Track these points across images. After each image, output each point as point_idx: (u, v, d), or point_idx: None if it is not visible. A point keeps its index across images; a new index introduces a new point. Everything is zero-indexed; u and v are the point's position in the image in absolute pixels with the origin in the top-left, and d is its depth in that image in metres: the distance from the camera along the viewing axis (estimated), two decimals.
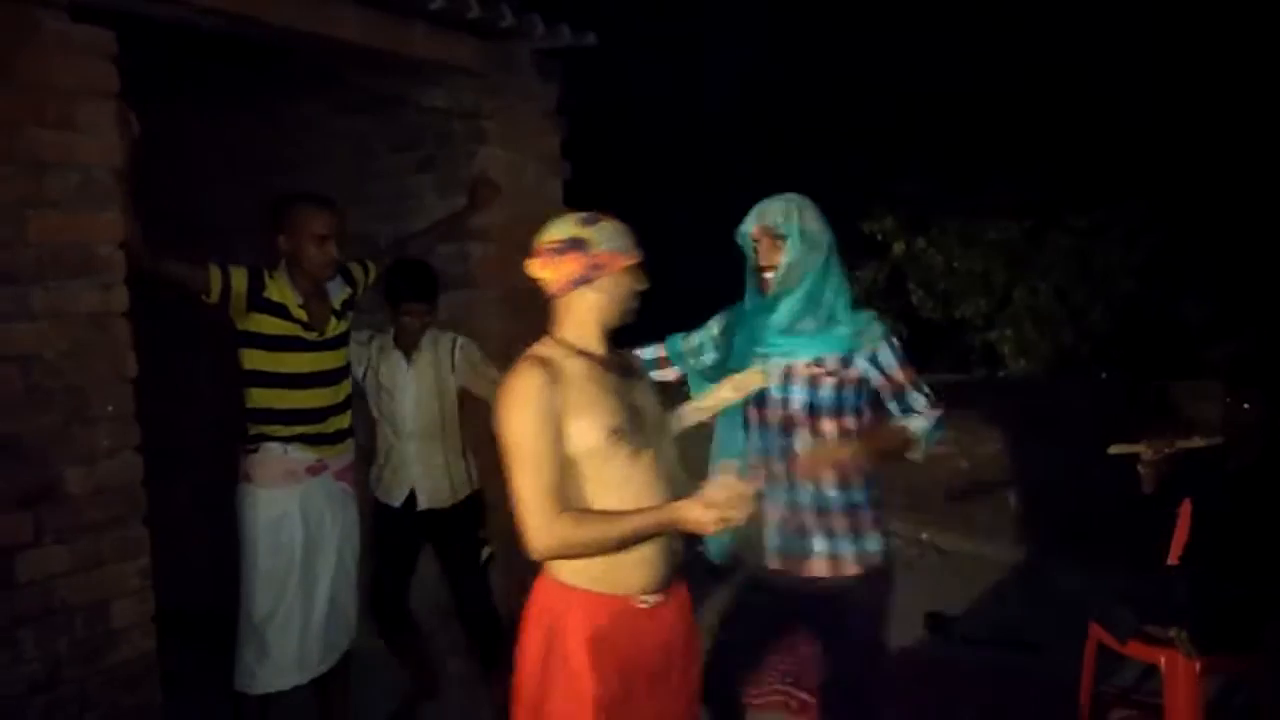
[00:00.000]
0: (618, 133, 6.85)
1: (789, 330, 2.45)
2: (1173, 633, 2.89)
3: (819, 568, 2.40)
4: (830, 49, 6.85)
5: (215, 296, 2.83)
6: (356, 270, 3.19)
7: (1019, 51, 6.23)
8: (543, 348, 2.04)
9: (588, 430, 1.94)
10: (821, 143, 7.00)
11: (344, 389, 3.10)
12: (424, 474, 3.33)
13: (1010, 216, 5.92)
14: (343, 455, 3.11)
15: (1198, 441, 3.19)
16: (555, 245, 2.02)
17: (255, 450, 2.94)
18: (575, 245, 2.00)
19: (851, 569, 2.40)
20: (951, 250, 6.01)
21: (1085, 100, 5.98)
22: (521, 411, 1.92)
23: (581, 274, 2.01)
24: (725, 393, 2.32)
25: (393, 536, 3.37)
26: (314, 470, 2.99)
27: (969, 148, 6.22)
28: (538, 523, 1.90)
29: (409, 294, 3.26)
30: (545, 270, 2.04)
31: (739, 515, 1.86)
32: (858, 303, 2.58)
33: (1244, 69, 5.66)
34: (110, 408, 2.46)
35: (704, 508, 1.86)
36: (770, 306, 2.47)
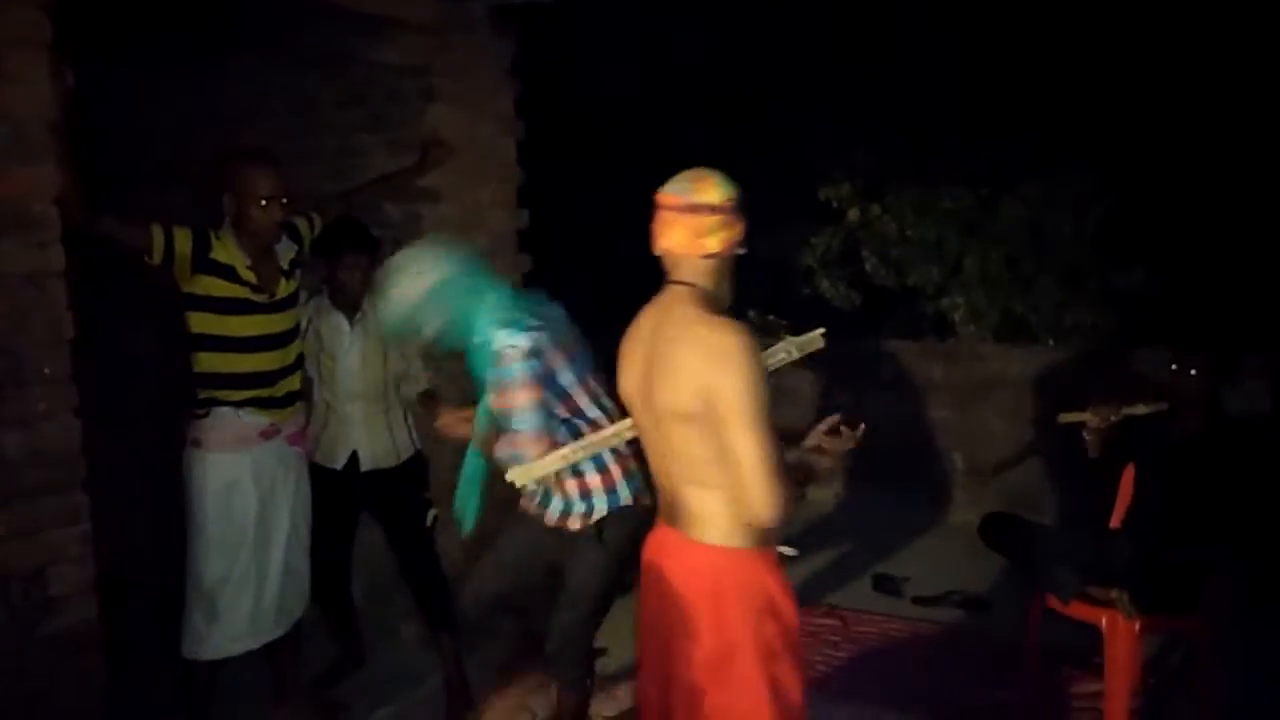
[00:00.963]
0: (573, 92, 6.75)
1: None
2: (1114, 594, 2.97)
3: (550, 519, 2.71)
4: (792, 14, 6.79)
5: (158, 257, 2.74)
6: (301, 224, 3.10)
7: (975, 19, 6.23)
8: (714, 306, 1.94)
9: None
10: (782, 107, 6.97)
11: (294, 351, 3.04)
12: (367, 435, 3.28)
13: (964, 184, 5.96)
14: (295, 418, 3.06)
15: (1142, 409, 3.26)
16: (734, 203, 1.93)
17: (205, 415, 2.87)
18: (742, 205, 1.94)
19: (575, 524, 2.67)
20: (905, 218, 6.04)
21: (1041, 68, 6.01)
22: (753, 370, 1.81)
23: (742, 235, 1.96)
24: (785, 353, 2.27)
25: (332, 500, 3.30)
26: (267, 434, 2.94)
27: (926, 115, 6.23)
28: (776, 487, 1.80)
29: (347, 245, 3.19)
30: (725, 229, 1.93)
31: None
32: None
33: (1196, 36, 5.72)
34: (47, 370, 2.39)
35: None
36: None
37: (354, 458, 3.29)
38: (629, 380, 2.06)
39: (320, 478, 3.26)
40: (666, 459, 1.99)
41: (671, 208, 1.94)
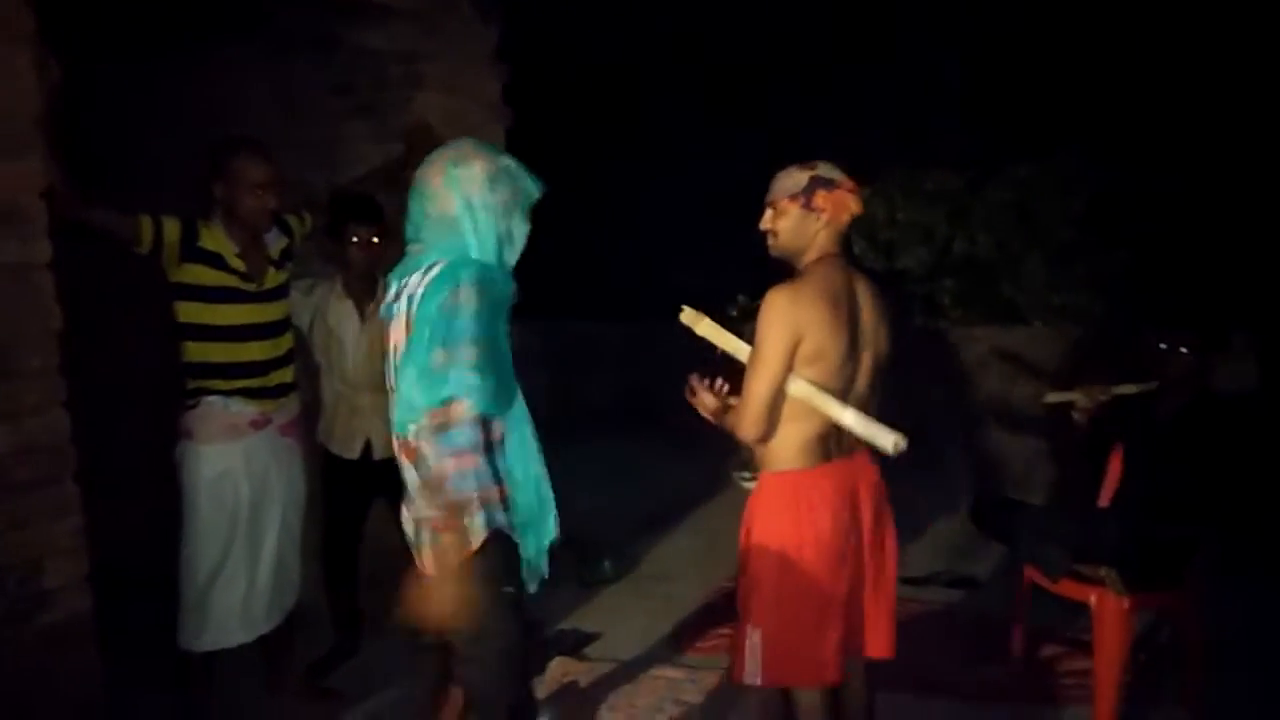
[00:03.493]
0: (563, 78, 6.73)
1: None
2: (1102, 572, 2.99)
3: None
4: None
5: (146, 246, 2.74)
6: (293, 220, 3.12)
7: (965, 4, 6.24)
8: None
9: None
10: (769, 92, 6.96)
11: (285, 341, 3.03)
12: (380, 424, 3.28)
13: (952, 167, 5.97)
14: (287, 409, 3.05)
15: (1131, 388, 3.28)
16: None
17: (195, 405, 2.87)
18: None
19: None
20: (894, 201, 6.04)
21: (1029, 50, 6.02)
22: None
23: None
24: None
25: (346, 489, 3.32)
26: (257, 424, 2.93)
27: (916, 97, 6.23)
28: None
29: (354, 215, 3.19)
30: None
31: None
32: None
33: (1180, 15, 5.73)
34: (35, 362, 2.37)
35: None
36: None
37: (368, 446, 3.29)
38: (841, 339, 2.26)
39: (335, 467, 3.28)
40: (858, 401, 2.32)
41: (844, 187, 2.31)
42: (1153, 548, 2.99)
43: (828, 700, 2.37)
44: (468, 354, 1.97)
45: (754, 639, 2.28)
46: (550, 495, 2.22)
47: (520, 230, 2.18)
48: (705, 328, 2.43)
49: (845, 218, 2.32)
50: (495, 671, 2.15)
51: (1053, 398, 3.49)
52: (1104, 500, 3.36)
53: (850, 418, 2.25)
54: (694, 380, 2.46)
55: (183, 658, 2.94)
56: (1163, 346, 3.13)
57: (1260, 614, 3.76)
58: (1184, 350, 3.08)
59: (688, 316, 2.44)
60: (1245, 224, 5.62)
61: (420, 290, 2.06)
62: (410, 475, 2.13)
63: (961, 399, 5.54)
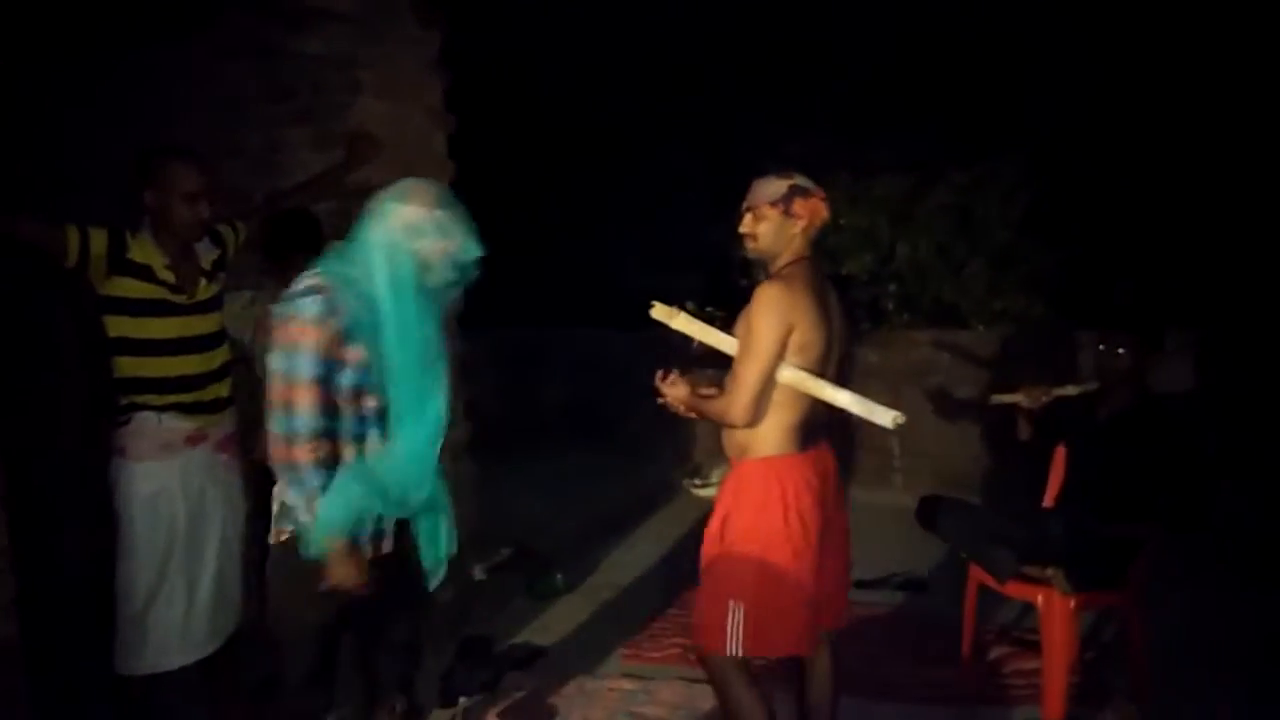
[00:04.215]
0: (505, 84, 6.68)
1: None
2: (1049, 572, 3.03)
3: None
4: (722, 5, 6.81)
5: (73, 259, 2.64)
6: (225, 231, 3.01)
7: (903, 9, 6.32)
8: None
9: None
10: (715, 100, 6.99)
11: (219, 355, 2.94)
12: None
13: (896, 173, 6.04)
14: (223, 425, 2.96)
15: (1072, 390, 3.33)
16: None
17: (128, 422, 2.77)
18: None
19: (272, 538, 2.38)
20: (839, 207, 6.10)
21: (968, 56, 6.12)
22: None
23: None
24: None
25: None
26: (193, 440, 2.84)
27: (860, 104, 6.30)
28: None
29: (295, 245, 3.10)
30: None
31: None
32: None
33: (1119, 21, 5.87)
34: None
35: None
36: None
37: None
38: (824, 332, 2.44)
39: (268, 481, 3.19)
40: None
41: (817, 195, 2.49)
42: (1097, 547, 3.03)
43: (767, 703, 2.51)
44: None
45: (737, 614, 2.41)
46: None
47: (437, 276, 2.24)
48: (680, 321, 2.57)
49: (818, 223, 2.50)
50: None
51: (996, 399, 3.53)
52: (1048, 500, 3.40)
53: (845, 398, 2.41)
54: (660, 377, 2.58)
55: (120, 682, 2.83)
56: (1101, 348, 3.19)
57: (1201, 611, 3.84)
58: (1122, 351, 3.14)
59: (660, 312, 2.57)
60: (1182, 225, 5.77)
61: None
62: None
63: (905, 401, 5.60)
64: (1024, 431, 3.39)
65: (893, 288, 6.23)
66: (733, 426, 2.44)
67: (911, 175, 6.09)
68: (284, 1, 3.19)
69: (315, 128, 3.62)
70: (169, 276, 2.77)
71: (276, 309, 2.22)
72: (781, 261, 2.48)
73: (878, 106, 6.27)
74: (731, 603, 2.42)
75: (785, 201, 2.45)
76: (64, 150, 3.81)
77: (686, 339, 2.61)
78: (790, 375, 2.39)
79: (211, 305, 2.91)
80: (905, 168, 6.09)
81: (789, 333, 2.36)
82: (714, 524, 2.50)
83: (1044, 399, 3.33)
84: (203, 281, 2.87)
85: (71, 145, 3.82)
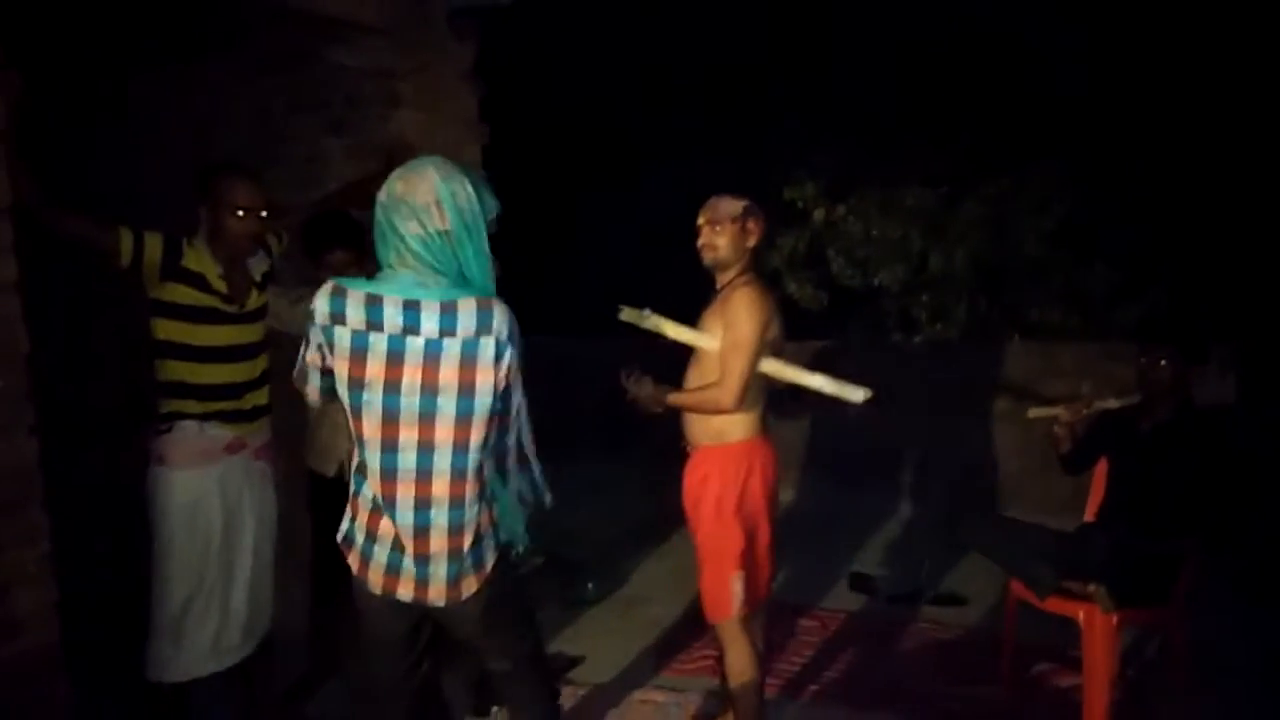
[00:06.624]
0: (540, 96, 6.72)
1: None
2: (1090, 588, 2.97)
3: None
4: (753, 15, 6.81)
5: (126, 260, 2.68)
6: (271, 240, 3.06)
7: (939, 18, 6.29)
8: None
9: None
10: (745, 110, 6.98)
11: (261, 364, 2.97)
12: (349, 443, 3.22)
13: (928, 183, 6.00)
14: (260, 433, 2.98)
15: (1113, 402, 3.29)
16: None
17: (169, 429, 2.79)
18: None
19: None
20: (871, 218, 6.06)
21: (1003, 66, 6.07)
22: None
23: None
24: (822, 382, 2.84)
25: (328, 507, 3.24)
26: (232, 448, 2.87)
27: (891, 115, 6.26)
28: None
29: (333, 241, 3.11)
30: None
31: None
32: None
33: (1155, 34, 5.80)
34: (1, 386, 2.30)
35: None
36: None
37: (341, 467, 3.22)
38: (781, 330, 2.81)
39: (318, 484, 3.21)
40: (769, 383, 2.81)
41: (761, 216, 2.82)
42: (1140, 562, 2.98)
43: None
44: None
45: (737, 584, 2.74)
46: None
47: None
48: (651, 322, 2.82)
49: (761, 239, 2.84)
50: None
51: (1035, 412, 3.48)
52: (1089, 514, 3.35)
53: (819, 380, 2.71)
54: (624, 377, 2.80)
55: (153, 689, 2.85)
56: (1143, 360, 3.14)
57: (1245, 627, 3.76)
58: (1164, 363, 3.09)
59: (628, 315, 2.83)
60: (1224, 237, 5.68)
61: (485, 335, 2.02)
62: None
63: (940, 414, 5.54)
64: (1065, 445, 3.34)
65: (925, 299, 6.18)
66: (721, 413, 2.70)
67: (943, 186, 6.04)
68: (320, 15, 3.22)
69: (350, 138, 3.65)
70: (222, 286, 2.82)
71: None
72: (733, 271, 2.78)
73: (907, 117, 6.23)
74: (733, 575, 2.74)
75: (743, 218, 2.77)
76: (111, 160, 3.87)
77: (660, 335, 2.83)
78: (770, 365, 2.72)
79: (258, 315, 2.96)
80: (936, 178, 6.05)
81: (768, 328, 2.70)
82: (707, 505, 2.75)
83: (1085, 411, 3.28)
84: (254, 292, 2.92)
85: (118, 155, 3.88)
